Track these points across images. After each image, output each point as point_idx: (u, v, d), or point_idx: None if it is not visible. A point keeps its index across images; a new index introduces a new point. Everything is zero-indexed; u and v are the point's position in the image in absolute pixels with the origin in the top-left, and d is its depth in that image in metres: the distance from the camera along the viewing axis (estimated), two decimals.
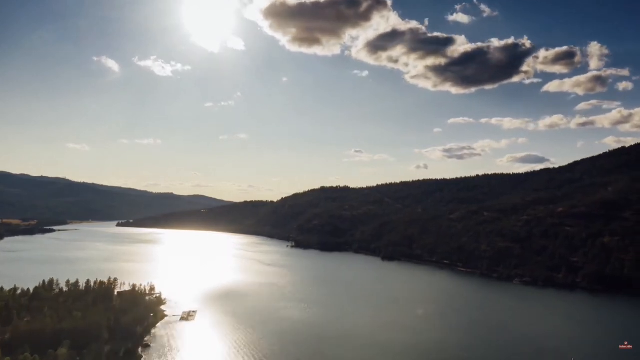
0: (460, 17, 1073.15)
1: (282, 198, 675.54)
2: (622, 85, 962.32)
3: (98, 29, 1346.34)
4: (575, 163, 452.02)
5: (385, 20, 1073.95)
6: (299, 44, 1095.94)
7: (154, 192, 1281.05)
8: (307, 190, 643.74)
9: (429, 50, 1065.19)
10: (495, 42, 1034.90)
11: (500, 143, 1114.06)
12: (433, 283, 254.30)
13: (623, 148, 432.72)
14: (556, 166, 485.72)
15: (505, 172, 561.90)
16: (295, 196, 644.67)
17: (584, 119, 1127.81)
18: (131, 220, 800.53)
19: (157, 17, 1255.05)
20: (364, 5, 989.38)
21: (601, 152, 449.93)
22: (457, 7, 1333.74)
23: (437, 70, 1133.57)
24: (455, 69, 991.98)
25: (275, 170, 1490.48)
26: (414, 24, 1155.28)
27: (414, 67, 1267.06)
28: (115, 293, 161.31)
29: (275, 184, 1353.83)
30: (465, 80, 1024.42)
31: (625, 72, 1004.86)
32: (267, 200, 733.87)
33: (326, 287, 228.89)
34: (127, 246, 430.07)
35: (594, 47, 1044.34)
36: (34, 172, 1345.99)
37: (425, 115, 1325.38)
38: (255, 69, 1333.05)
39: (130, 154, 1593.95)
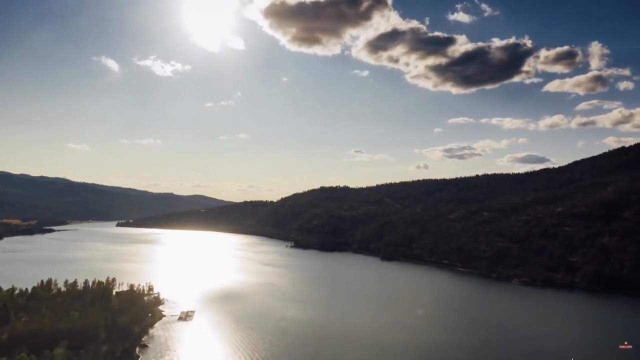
0: (461, 17, 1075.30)
1: (282, 198, 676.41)
2: (623, 85, 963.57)
3: (98, 29, 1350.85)
4: (575, 163, 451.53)
5: (385, 20, 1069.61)
6: (299, 43, 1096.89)
7: (154, 192, 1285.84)
8: (307, 190, 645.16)
9: (430, 50, 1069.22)
10: (496, 42, 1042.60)
11: (500, 143, 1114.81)
12: (433, 283, 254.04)
13: (623, 148, 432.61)
14: (556, 166, 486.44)
15: (505, 172, 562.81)
16: (295, 196, 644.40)
17: (584, 119, 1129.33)
18: (131, 220, 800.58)
19: (157, 17, 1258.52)
20: (364, 5, 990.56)
21: (601, 152, 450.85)
22: (458, 6, 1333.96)
23: (438, 70, 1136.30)
24: (456, 68, 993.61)
25: (275, 170, 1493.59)
26: (414, 24, 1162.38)
27: (415, 66, 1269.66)
28: (114, 293, 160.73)
29: (275, 184, 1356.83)
30: (465, 80, 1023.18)
31: (626, 72, 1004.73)
32: (267, 200, 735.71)
33: (326, 287, 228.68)
34: (127, 246, 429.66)
35: (595, 47, 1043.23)
36: (34, 172, 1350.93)
37: (426, 115, 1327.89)
38: (255, 68, 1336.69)
39: (130, 154, 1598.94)
